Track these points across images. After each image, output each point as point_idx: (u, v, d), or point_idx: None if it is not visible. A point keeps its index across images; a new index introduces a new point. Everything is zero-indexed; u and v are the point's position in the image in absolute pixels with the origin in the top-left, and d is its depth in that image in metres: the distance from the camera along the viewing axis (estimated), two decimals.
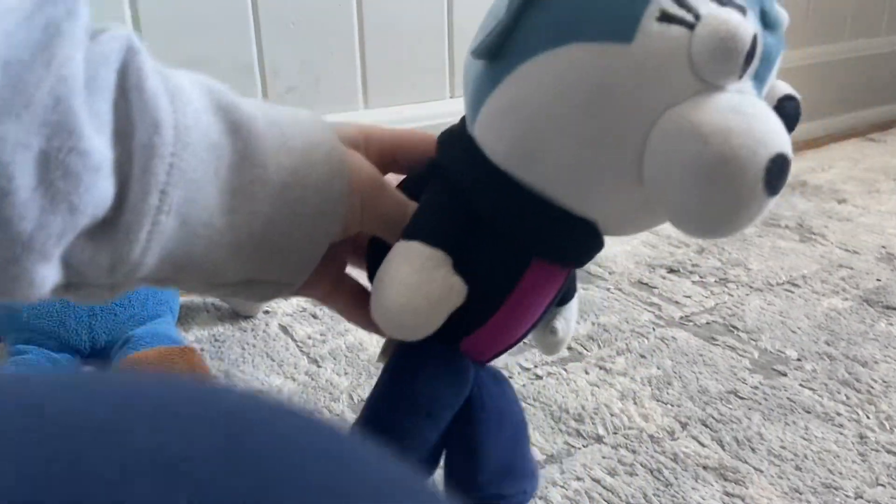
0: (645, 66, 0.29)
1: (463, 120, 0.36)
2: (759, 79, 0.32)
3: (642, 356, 0.72)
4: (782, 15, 0.33)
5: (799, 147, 1.45)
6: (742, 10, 0.30)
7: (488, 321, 0.37)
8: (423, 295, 0.33)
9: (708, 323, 0.78)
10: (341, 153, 0.34)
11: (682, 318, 0.79)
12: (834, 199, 1.16)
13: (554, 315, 0.43)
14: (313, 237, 0.34)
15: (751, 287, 0.86)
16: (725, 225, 0.30)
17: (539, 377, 0.68)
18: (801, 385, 0.67)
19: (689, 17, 0.29)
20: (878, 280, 0.88)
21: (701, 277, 0.89)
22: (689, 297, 0.84)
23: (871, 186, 1.21)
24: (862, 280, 0.88)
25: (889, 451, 0.58)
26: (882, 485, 0.54)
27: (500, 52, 0.31)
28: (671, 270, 0.90)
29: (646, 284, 0.87)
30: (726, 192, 0.28)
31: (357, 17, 0.93)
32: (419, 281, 0.33)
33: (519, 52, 0.31)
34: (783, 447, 0.59)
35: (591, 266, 0.89)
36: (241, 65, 0.86)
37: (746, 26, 0.29)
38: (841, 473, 0.56)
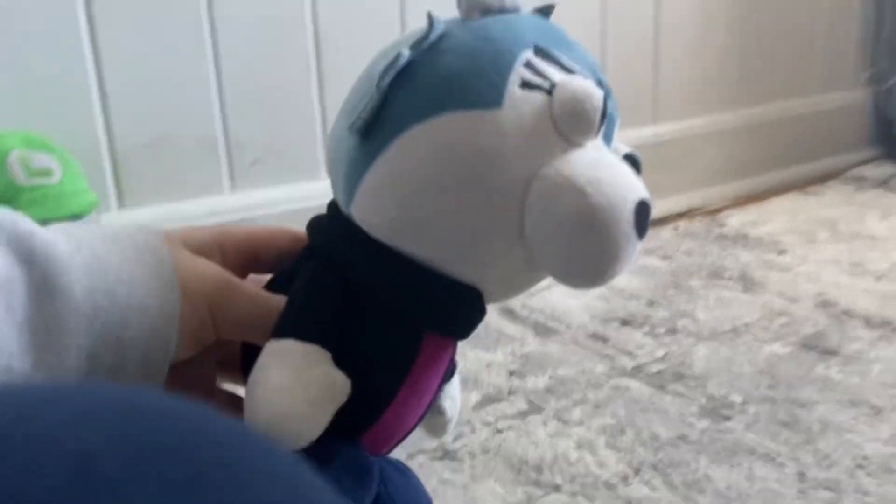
0: (515, 128, 0.31)
1: (330, 207, 0.36)
2: (607, 138, 0.35)
3: (597, 406, 0.75)
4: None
5: (741, 201, 1.53)
6: (587, 77, 0.34)
7: (389, 407, 0.34)
8: (301, 398, 0.30)
9: (658, 371, 0.82)
10: (170, 265, 0.31)
11: (634, 367, 0.83)
12: (774, 250, 1.23)
13: (439, 395, 0.40)
14: (148, 361, 0.30)
15: (698, 336, 0.91)
16: (606, 270, 0.31)
17: (500, 431, 0.71)
18: (745, 428, 0.71)
19: (546, 84, 0.32)
20: (816, 326, 0.93)
21: (651, 328, 0.93)
22: (640, 347, 0.88)
23: (809, 237, 1.28)
24: (801, 326, 0.93)
25: (826, 488, 0.62)
26: None
27: (372, 128, 0.32)
28: (624, 323, 0.95)
29: (600, 337, 0.91)
30: (606, 238, 0.30)
31: (318, 90, 0.98)
32: (295, 383, 0.30)
33: (393, 126, 0.31)
34: (728, 487, 0.62)
35: (548, 321, 0.93)
36: (206, 139, 0.90)
37: (597, 89, 0.32)
38: None
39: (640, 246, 0.32)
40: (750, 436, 0.70)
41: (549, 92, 0.32)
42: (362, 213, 0.33)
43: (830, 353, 0.86)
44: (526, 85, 0.32)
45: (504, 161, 0.31)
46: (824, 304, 1.00)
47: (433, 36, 0.32)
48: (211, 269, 0.33)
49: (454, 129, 0.31)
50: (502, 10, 0.34)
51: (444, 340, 0.36)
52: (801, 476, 0.64)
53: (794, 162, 1.70)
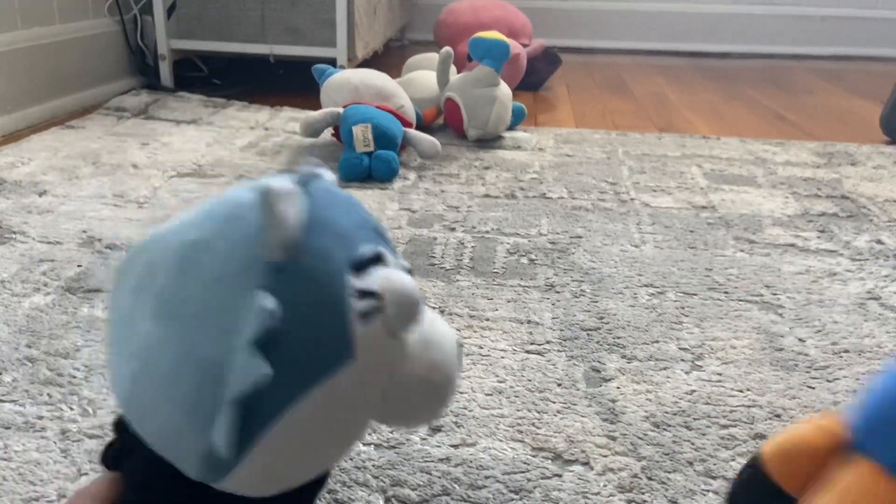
0: (370, 364, 0.35)
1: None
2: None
3: None
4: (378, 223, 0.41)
5: None
6: (380, 257, 0.37)
7: None
8: None
9: None
10: None
11: None
12: (34, 192, 1.12)
13: None
14: None
15: None
16: (444, 406, 0.41)
17: None
18: (1, 401, 0.62)
19: (375, 303, 0.35)
20: (80, 266, 0.88)
21: None
22: None
23: (72, 173, 1.21)
24: (63, 270, 0.87)
25: (91, 437, 0.58)
26: (86, 473, 0.54)
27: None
28: None
29: None
30: (449, 392, 0.41)
31: None
32: None
33: (266, 416, 0.33)
34: None
35: None
36: None
37: (411, 281, 0.36)
38: (42, 480, 0.53)
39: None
40: (7, 408, 0.61)
41: (381, 308, 0.35)
42: (248, 476, 0.35)
43: (94, 290, 0.82)
44: (364, 316, 0.35)
45: (369, 391, 0.37)
46: (89, 241, 0.95)
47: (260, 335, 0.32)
48: None
49: (330, 399, 0.35)
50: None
51: None
52: (65, 433, 0.58)
53: (52, 96, 1.59)
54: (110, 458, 0.42)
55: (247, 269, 0.33)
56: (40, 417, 0.60)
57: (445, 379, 0.40)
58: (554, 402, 0.65)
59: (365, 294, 0.35)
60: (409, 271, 0.41)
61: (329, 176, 0.40)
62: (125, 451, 0.40)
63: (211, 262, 0.34)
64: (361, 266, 0.36)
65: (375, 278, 0.36)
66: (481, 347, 0.73)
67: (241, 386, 0.32)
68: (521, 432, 0.61)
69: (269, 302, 0.32)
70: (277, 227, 0.33)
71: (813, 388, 0.68)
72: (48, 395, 0.63)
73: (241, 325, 0.32)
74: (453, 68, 1.56)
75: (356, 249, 0.36)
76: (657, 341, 0.75)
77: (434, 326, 0.40)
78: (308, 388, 0.34)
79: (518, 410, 0.63)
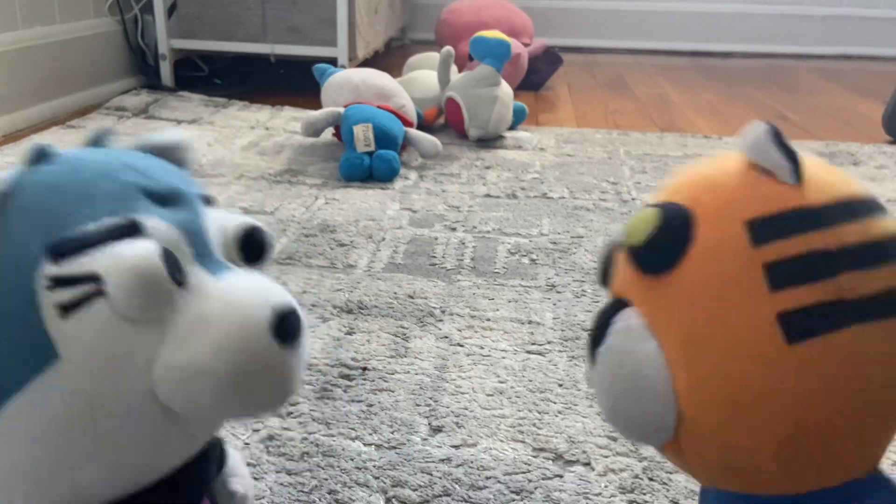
0: (97, 360, 0.30)
1: None
2: (202, 255, 0.32)
3: None
4: (173, 177, 0.34)
5: (0, 143, 1.37)
6: (134, 227, 0.30)
7: None
8: None
9: None
10: None
11: None
12: None
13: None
14: None
15: None
16: (274, 404, 0.33)
17: None
18: None
19: (84, 290, 0.29)
20: None
21: None
22: None
23: None
24: None
25: None
26: None
27: None
28: None
29: None
30: (251, 380, 0.31)
31: None
32: None
33: None
34: None
35: None
36: None
37: (147, 247, 0.29)
38: None
39: (295, 353, 0.33)
40: None
41: (101, 292, 0.29)
42: None
43: None
44: (65, 309, 0.29)
45: (109, 400, 0.31)
46: None
47: None
48: None
49: (37, 411, 0.30)
50: None
51: None
52: None
53: (53, 96, 1.59)
54: None
55: None
56: None
57: (238, 364, 0.30)
58: (555, 403, 0.64)
59: (66, 281, 0.29)
60: (253, 231, 0.35)
61: (166, 140, 0.37)
62: None
63: None
64: (71, 246, 0.30)
65: (98, 258, 0.30)
66: (482, 348, 0.73)
67: None
68: (522, 433, 0.60)
69: None
70: None
71: None
72: None
73: None
74: (454, 68, 1.56)
75: (66, 229, 0.30)
76: None
77: (232, 292, 0.32)
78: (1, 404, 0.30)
79: (519, 411, 0.63)
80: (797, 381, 0.29)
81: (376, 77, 1.39)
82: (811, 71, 2.58)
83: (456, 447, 0.59)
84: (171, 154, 0.38)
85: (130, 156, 0.35)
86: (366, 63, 1.93)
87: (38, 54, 1.54)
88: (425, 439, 0.59)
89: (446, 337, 0.75)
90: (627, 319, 0.32)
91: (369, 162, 1.23)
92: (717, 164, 0.34)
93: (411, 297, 0.83)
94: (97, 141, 0.36)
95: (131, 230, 0.31)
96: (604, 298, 0.82)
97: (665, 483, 0.55)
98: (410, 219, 1.06)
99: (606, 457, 0.58)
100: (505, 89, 1.46)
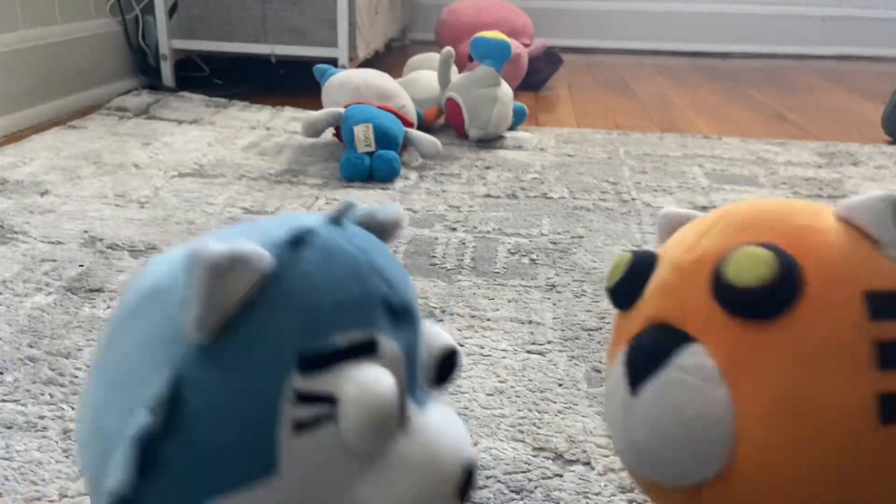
0: (306, 483, 0.28)
1: None
2: (412, 382, 0.32)
3: None
4: (407, 289, 0.33)
5: (1, 143, 1.37)
6: (372, 345, 0.30)
7: None
8: None
9: None
10: None
11: None
12: (36, 192, 1.12)
13: None
14: None
15: None
16: None
17: None
18: (2, 401, 0.62)
19: (322, 410, 0.28)
20: (81, 266, 0.88)
21: None
22: None
23: (74, 174, 1.21)
24: (65, 270, 0.87)
25: None
26: None
27: None
28: None
29: None
30: None
31: None
32: None
33: None
34: None
35: None
36: None
37: (389, 383, 0.28)
38: (44, 480, 0.53)
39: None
40: (9, 408, 0.61)
41: (333, 415, 0.29)
42: None
43: (96, 290, 0.82)
44: (300, 426, 0.28)
45: None
46: (90, 240, 0.96)
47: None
48: None
49: None
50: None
51: None
52: (66, 433, 0.58)
53: (53, 96, 1.59)
54: None
55: (169, 343, 0.29)
56: (42, 417, 0.60)
57: None
58: (555, 402, 0.65)
59: (308, 398, 0.28)
60: (453, 354, 0.34)
61: (388, 216, 0.36)
62: None
63: (143, 324, 0.30)
64: (320, 360, 0.29)
65: (337, 378, 0.29)
66: (482, 347, 0.73)
67: (111, 486, 0.28)
68: (522, 432, 0.61)
69: (145, 415, 0.28)
70: (199, 303, 0.28)
71: None
72: (50, 394, 0.63)
73: (138, 411, 0.28)
74: (454, 68, 1.56)
75: (320, 337, 0.29)
76: None
77: (434, 440, 0.32)
78: (209, 498, 0.29)
79: (519, 410, 0.63)
80: (881, 459, 0.28)
81: (377, 77, 1.39)
82: (811, 71, 2.58)
83: None
84: (385, 228, 0.37)
85: (374, 251, 0.33)
86: (366, 63, 1.94)
87: (39, 54, 1.54)
88: None
89: None
90: (698, 357, 0.31)
91: (370, 162, 1.23)
92: (811, 216, 0.32)
93: None
94: (341, 215, 0.34)
95: (369, 347, 0.30)
96: (604, 299, 0.83)
97: None
98: (411, 219, 1.07)
99: (606, 456, 0.58)
100: (505, 89, 1.46)
